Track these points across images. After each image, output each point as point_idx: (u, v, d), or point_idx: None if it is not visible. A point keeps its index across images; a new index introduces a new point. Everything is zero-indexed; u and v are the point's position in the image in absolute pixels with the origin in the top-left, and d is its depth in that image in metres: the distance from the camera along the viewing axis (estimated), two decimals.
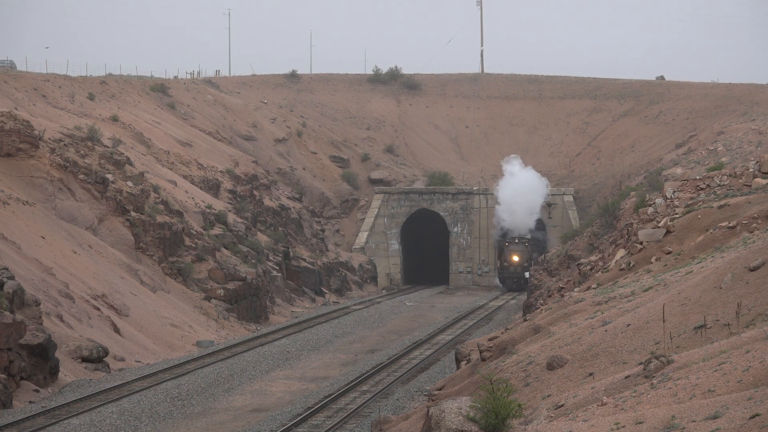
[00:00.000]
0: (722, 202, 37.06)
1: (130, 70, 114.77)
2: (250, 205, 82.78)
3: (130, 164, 68.51)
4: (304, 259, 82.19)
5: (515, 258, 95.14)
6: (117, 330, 50.27)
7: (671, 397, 15.79)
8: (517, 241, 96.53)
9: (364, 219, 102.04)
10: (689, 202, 39.98)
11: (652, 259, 35.61)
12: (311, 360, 49.57)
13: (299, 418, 35.34)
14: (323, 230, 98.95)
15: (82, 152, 64.72)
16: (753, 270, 21.95)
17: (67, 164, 61.06)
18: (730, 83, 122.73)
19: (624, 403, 16.27)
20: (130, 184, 65.01)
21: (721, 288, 22.05)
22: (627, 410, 15.81)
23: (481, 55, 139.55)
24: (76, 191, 60.21)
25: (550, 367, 22.54)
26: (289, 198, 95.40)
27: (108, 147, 68.85)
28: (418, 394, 40.05)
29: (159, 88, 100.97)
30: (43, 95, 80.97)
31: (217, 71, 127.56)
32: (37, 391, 39.82)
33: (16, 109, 68.49)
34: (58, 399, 38.94)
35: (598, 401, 17.08)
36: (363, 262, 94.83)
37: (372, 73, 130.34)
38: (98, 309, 50.68)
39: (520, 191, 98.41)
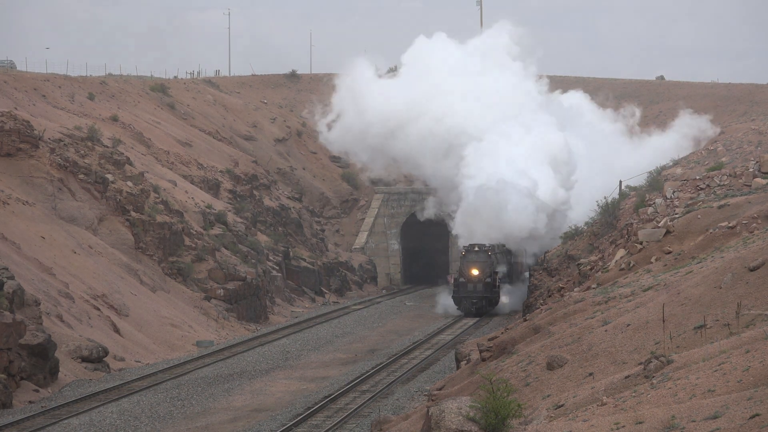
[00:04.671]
0: (722, 202, 37.09)
1: (130, 70, 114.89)
2: (250, 205, 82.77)
3: (130, 164, 68.49)
4: (304, 259, 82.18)
5: (474, 272, 72.78)
6: (117, 330, 50.28)
7: (671, 397, 15.79)
8: (477, 249, 73.68)
9: (364, 219, 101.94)
10: (689, 202, 40.03)
11: (652, 259, 35.61)
12: (311, 360, 49.56)
13: (299, 418, 35.35)
14: (323, 230, 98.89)
15: (82, 152, 64.71)
16: (753, 270, 21.95)
17: (67, 164, 61.05)
18: (730, 83, 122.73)
19: (624, 403, 16.27)
20: (130, 184, 64.99)
21: (721, 288, 22.06)
22: (627, 410, 15.81)
23: None
24: (76, 191, 60.20)
25: (550, 367, 22.53)
26: (289, 198, 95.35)
27: (108, 147, 68.85)
28: (418, 394, 40.03)
29: (159, 88, 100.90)
30: (43, 95, 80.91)
31: (217, 71, 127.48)
32: (37, 391, 39.83)
33: (16, 109, 68.44)
34: (58, 399, 38.95)
35: (598, 401, 17.08)
36: (363, 262, 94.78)
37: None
38: (98, 309, 50.69)
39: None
